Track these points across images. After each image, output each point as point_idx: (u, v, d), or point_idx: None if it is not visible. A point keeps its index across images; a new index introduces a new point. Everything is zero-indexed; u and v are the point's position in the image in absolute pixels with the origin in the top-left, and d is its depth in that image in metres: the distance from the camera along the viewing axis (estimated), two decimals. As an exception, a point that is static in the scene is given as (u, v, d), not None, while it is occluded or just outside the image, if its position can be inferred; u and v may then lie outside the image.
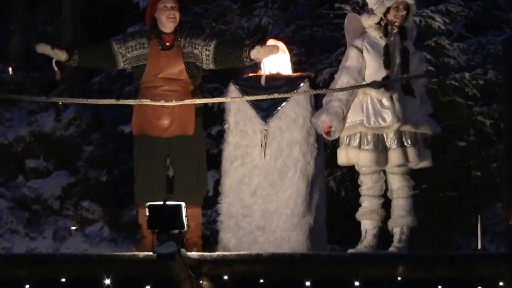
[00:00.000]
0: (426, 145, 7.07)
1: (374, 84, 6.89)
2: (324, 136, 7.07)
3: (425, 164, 7.02)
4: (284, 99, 7.25)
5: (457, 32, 11.17)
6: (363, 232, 7.11)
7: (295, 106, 7.30)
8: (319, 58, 11.24)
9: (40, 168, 12.18)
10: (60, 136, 12.33)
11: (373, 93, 6.93)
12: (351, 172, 10.18)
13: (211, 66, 7.39)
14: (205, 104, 7.68)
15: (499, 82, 10.56)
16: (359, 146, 6.99)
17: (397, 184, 7.04)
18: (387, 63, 6.93)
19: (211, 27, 11.52)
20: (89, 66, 7.73)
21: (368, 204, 7.08)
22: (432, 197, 10.58)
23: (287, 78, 7.38)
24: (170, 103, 7.17)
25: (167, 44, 7.32)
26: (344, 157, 7.08)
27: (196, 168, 7.40)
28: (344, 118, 7.03)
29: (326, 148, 7.63)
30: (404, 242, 6.99)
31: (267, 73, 7.29)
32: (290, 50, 7.91)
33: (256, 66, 7.88)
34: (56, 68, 7.24)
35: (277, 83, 7.32)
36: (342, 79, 7.04)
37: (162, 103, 7.17)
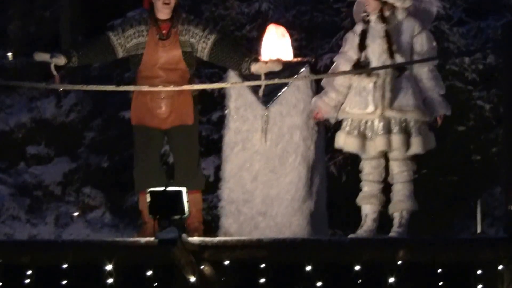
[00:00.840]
0: (426, 130, 7.00)
1: (354, 71, 6.95)
2: (316, 119, 7.20)
3: (413, 151, 6.97)
4: (285, 84, 7.25)
5: (457, 16, 11.18)
6: (363, 217, 7.14)
7: (295, 91, 7.30)
8: (319, 43, 11.27)
9: (42, 155, 12.20)
10: (61, 123, 12.36)
11: (354, 79, 7.01)
12: (352, 157, 10.15)
13: (203, 58, 7.33)
14: (203, 90, 7.66)
15: (498, 67, 10.58)
16: (348, 131, 7.05)
17: (397, 169, 7.04)
18: (360, 45, 6.99)
19: (211, 12, 11.54)
20: (90, 63, 7.73)
21: (368, 189, 7.10)
22: (432, 182, 10.61)
23: (288, 63, 7.33)
24: (168, 89, 7.13)
25: (164, 32, 7.23)
26: (336, 140, 7.15)
27: (196, 155, 7.42)
28: (336, 105, 7.10)
29: (327, 132, 7.64)
30: (404, 226, 7.00)
31: (267, 59, 7.26)
32: (290, 35, 7.85)
33: (257, 51, 7.88)
34: (54, 73, 7.10)
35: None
36: (337, 65, 7.15)
37: (160, 88, 7.12)
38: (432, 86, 6.99)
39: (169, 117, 7.26)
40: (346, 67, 7.05)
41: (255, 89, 7.28)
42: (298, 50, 9.96)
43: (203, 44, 7.27)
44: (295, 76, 7.20)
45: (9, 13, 13.97)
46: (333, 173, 10.56)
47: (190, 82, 7.35)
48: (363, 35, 7.00)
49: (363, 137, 7.00)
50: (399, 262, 6.09)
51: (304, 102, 7.28)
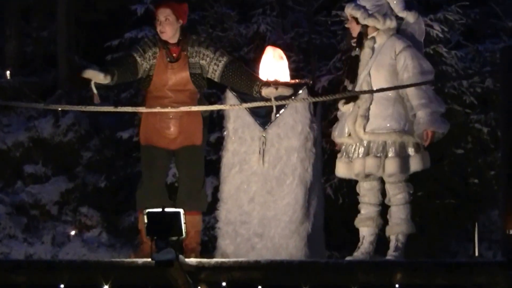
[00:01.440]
0: (409, 151, 6.99)
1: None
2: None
3: (387, 173, 6.97)
4: (283, 106, 7.26)
5: (455, 40, 11.20)
6: (360, 239, 7.17)
7: (293, 113, 7.34)
8: (317, 65, 11.28)
9: (39, 174, 12.19)
10: (58, 142, 12.34)
11: (339, 105, 7.23)
12: (349, 179, 10.26)
13: (215, 79, 7.37)
14: (211, 112, 7.70)
15: (496, 90, 10.61)
16: (339, 158, 7.18)
17: (391, 192, 7.06)
18: (346, 74, 7.13)
19: (208, 33, 11.56)
20: (122, 82, 7.61)
21: (364, 211, 7.15)
22: (429, 204, 10.59)
23: (285, 85, 7.26)
24: (167, 110, 7.15)
25: (174, 55, 7.27)
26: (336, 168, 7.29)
27: (201, 176, 7.42)
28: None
29: (323, 154, 7.64)
30: (399, 250, 7.02)
31: (265, 79, 7.29)
32: (288, 57, 7.92)
33: (255, 73, 7.88)
34: (95, 91, 6.93)
35: None
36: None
37: (158, 109, 7.15)
38: (419, 104, 6.91)
39: (178, 137, 7.30)
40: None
41: (253, 111, 7.33)
42: (295, 72, 10.12)
43: (214, 66, 7.30)
44: (293, 98, 7.17)
45: (7, 33, 14.00)
46: (330, 195, 10.51)
47: (200, 102, 7.38)
48: (348, 62, 7.15)
49: (349, 161, 7.10)
50: (397, 285, 6.10)
51: (302, 124, 7.33)
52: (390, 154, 6.94)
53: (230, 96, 7.48)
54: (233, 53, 11.57)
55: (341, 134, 7.12)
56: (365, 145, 7.00)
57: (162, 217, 6.07)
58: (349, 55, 7.16)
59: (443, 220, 10.65)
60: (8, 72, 13.14)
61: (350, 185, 10.34)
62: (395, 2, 7.11)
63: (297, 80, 7.57)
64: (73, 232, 11.49)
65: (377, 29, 7.04)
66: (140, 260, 6.48)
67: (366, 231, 7.13)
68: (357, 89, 7.01)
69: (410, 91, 6.91)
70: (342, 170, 7.15)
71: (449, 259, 9.91)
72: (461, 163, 10.81)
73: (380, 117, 6.95)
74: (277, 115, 7.29)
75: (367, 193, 7.12)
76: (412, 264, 6.47)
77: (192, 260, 6.46)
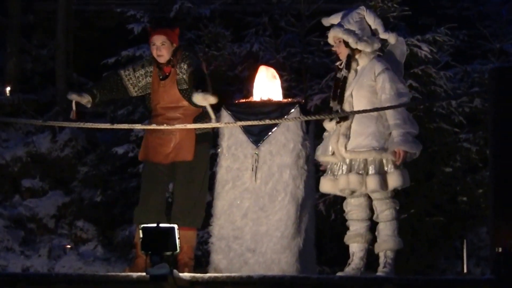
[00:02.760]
0: (391, 167, 7.09)
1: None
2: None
3: (369, 189, 7.08)
4: (275, 125, 7.34)
5: (444, 60, 11.22)
6: (350, 255, 7.24)
7: (285, 131, 7.40)
8: (309, 84, 11.30)
9: (36, 188, 12.19)
10: (55, 157, 12.34)
11: (324, 123, 7.36)
12: (341, 196, 10.32)
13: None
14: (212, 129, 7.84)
15: (484, 110, 10.68)
16: (323, 176, 7.31)
17: (378, 209, 7.17)
18: (332, 95, 7.29)
19: (204, 53, 11.60)
20: (107, 101, 7.98)
21: (353, 228, 7.24)
22: (419, 221, 10.58)
23: (278, 104, 7.47)
24: (161, 127, 7.31)
25: (167, 73, 7.49)
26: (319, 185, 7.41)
27: (194, 193, 7.54)
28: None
29: (316, 171, 7.74)
30: (389, 266, 7.12)
31: (258, 99, 7.46)
32: (280, 76, 7.99)
33: (248, 92, 8.02)
34: (74, 108, 7.44)
35: (268, 108, 7.42)
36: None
37: (153, 127, 7.33)
38: (394, 124, 7.05)
39: (171, 152, 7.46)
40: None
41: (246, 129, 7.39)
42: (288, 90, 10.16)
43: (187, 78, 7.45)
44: (285, 117, 7.27)
45: (7, 50, 14.04)
46: (322, 211, 10.52)
47: (198, 117, 7.50)
48: (336, 84, 7.26)
49: (334, 178, 7.22)
50: (386, 301, 6.16)
51: (294, 142, 7.38)
52: (371, 172, 7.06)
53: (224, 114, 7.54)
54: (227, 72, 11.73)
55: (325, 152, 7.24)
56: (347, 162, 7.12)
57: (157, 232, 6.15)
58: (336, 77, 7.30)
59: (432, 237, 10.63)
60: (7, 89, 13.09)
61: (342, 202, 10.42)
62: (376, 24, 7.31)
63: (289, 99, 7.63)
64: (69, 246, 11.48)
65: (359, 51, 7.19)
66: (135, 274, 6.51)
67: (356, 247, 7.21)
68: (338, 111, 7.16)
69: (388, 111, 7.07)
70: (326, 186, 7.28)
71: (438, 276, 9.94)
72: (450, 181, 10.81)
73: (361, 136, 7.08)
74: (269, 133, 7.38)
75: (355, 209, 7.21)
76: (402, 280, 6.52)
77: (185, 275, 6.49)
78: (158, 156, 7.49)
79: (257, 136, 7.43)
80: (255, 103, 7.53)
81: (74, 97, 7.41)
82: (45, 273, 10.34)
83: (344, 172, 7.15)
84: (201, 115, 7.54)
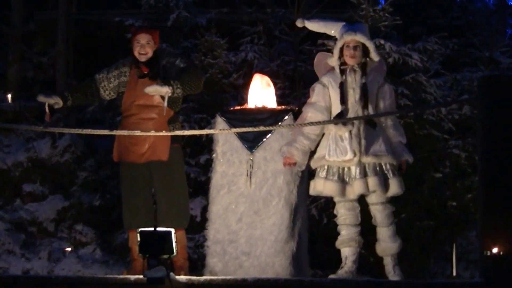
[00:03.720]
0: (399, 173, 7.25)
1: (334, 121, 7.17)
2: (287, 166, 7.37)
3: (392, 192, 7.22)
4: (269, 131, 7.43)
5: (434, 68, 11.21)
6: (343, 259, 7.34)
7: (279, 138, 7.49)
8: (302, 92, 11.29)
9: (37, 192, 12.21)
10: (55, 162, 12.35)
11: (332, 128, 7.23)
12: (334, 200, 10.42)
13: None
14: (200, 136, 7.87)
15: (473, 117, 10.67)
16: (326, 177, 7.25)
17: (378, 214, 7.27)
18: (342, 99, 7.22)
19: (200, 61, 11.64)
20: (82, 103, 8.05)
21: (346, 232, 7.32)
22: (410, 226, 10.57)
23: (272, 111, 7.56)
24: (160, 133, 7.33)
25: (144, 72, 7.53)
26: (312, 187, 7.35)
27: (174, 193, 7.53)
28: (307, 152, 7.31)
29: (309, 177, 7.82)
30: (397, 267, 7.30)
31: (253, 107, 7.56)
32: (274, 84, 8.08)
33: (243, 99, 8.14)
34: (47, 111, 7.52)
35: (263, 116, 7.52)
36: (305, 114, 7.33)
37: (152, 133, 7.33)
38: (396, 134, 7.27)
39: (146, 152, 7.43)
40: (316, 116, 7.25)
41: (241, 136, 7.47)
42: (282, 98, 10.21)
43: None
44: (279, 124, 7.38)
45: (9, 58, 14.09)
46: (315, 216, 10.51)
47: (172, 119, 7.52)
48: (342, 88, 7.25)
49: (342, 182, 7.20)
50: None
51: None
52: (391, 175, 7.20)
53: (220, 121, 7.62)
54: (223, 79, 11.73)
55: (345, 155, 7.14)
56: (362, 167, 7.17)
57: (154, 236, 6.28)
58: (341, 82, 7.28)
59: (422, 241, 10.61)
60: (9, 96, 13.11)
61: (335, 206, 10.56)
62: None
63: (283, 107, 7.72)
64: (68, 249, 11.48)
65: (368, 61, 7.32)
66: (133, 277, 6.59)
67: (348, 251, 7.31)
68: (352, 114, 7.19)
69: (389, 123, 7.26)
70: (331, 189, 7.22)
71: (428, 279, 10.06)
72: (439, 187, 10.80)
73: (376, 142, 7.19)
74: (264, 139, 7.48)
75: (348, 214, 7.29)
76: (393, 283, 6.70)
77: (182, 278, 6.58)
78: (133, 156, 7.47)
79: (251, 142, 7.52)
80: (250, 110, 7.62)
81: (41, 99, 7.53)
82: (45, 275, 10.40)
83: (358, 177, 7.17)
84: (175, 118, 7.61)
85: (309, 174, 7.68)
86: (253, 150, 7.53)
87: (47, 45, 14.93)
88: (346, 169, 7.25)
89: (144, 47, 7.52)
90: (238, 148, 7.56)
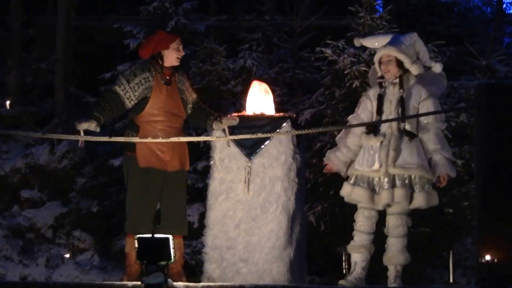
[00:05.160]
0: (430, 187, 7.31)
1: (350, 125, 7.28)
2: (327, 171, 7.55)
3: (414, 205, 7.29)
4: (267, 138, 7.44)
5: None
6: (352, 265, 7.40)
7: (277, 144, 7.50)
8: (300, 99, 11.34)
9: (35, 198, 12.21)
10: (54, 168, 12.35)
11: (364, 138, 7.33)
12: (331, 207, 10.41)
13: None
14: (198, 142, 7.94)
15: (470, 125, 10.68)
16: (354, 183, 7.32)
17: (391, 224, 7.33)
18: (378, 110, 7.31)
19: (198, 67, 11.66)
20: (109, 119, 7.91)
21: (358, 239, 7.39)
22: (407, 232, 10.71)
23: (270, 118, 7.58)
24: (157, 140, 7.32)
25: (167, 77, 7.50)
26: (343, 190, 7.45)
27: (185, 202, 7.62)
28: (347, 161, 7.44)
29: (307, 184, 7.81)
30: (399, 278, 7.32)
31: (251, 113, 7.59)
32: (273, 91, 8.11)
33: (241, 105, 8.17)
34: (82, 134, 7.30)
35: (261, 122, 7.54)
36: (349, 123, 7.48)
37: (149, 140, 7.31)
38: (435, 149, 7.29)
39: (170, 160, 7.44)
40: (357, 128, 7.36)
41: (239, 142, 7.49)
42: (280, 105, 10.15)
43: (189, 97, 7.58)
44: (277, 131, 7.39)
45: (7, 64, 14.12)
46: (312, 223, 10.45)
47: (182, 130, 7.62)
48: (380, 100, 7.34)
49: (371, 190, 7.28)
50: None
51: (286, 155, 7.50)
52: (418, 189, 7.25)
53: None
54: (221, 86, 11.77)
55: (371, 166, 7.22)
56: (390, 177, 7.22)
57: (152, 243, 6.28)
58: (380, 94, 7.37)
59: (420, 248, 10.47)
60: (8, 102, 13.18)
61: (332, 213, 10.35)
62: (424, 51, 7.52)
63: (281, 114, 7.74)
64: (66, 255, 11.48)
65: (407, 72, 7.37)
66: (130, 283, 6.62)
67: (358, 257, 7.37)
68: (387, 126, 7.27)
69: (427, 137, 7.30)
70: (359, 195, 7.29)
71: (425, 286, 10.07)
72: (437, 194, 10.91)
73: (407, 154, 7.22)
74: (262, 146, 7.49)
75: (365, 221, 7.35)
76: None
77: (180, 284, 6.62)
78: (160, 163, 7.45)
79: (250, 149, 7.54)
80: (248, 117, 7.64)
81: (84, 127, 7.28)
82: (43, 281, 10.40)
83: (386, 187, 7.23)
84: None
85: (308, 182, 7.69)
86: (251, 157, 7.54)
87: (46, 50, 14.98)
88: (376, 179, 7.33)
89: (181, 52, 7.59)
90: (236, 155, 7.57)
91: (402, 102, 7.27)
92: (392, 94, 7.33)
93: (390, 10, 11.16)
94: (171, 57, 7.51)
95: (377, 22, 11.00)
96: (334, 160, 7.46)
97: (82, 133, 7.28)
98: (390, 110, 7.31)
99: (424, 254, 10.74)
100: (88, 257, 11.61)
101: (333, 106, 10.82)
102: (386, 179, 7.24)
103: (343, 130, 7.57)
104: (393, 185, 7.23)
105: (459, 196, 10.87)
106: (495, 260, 6.19)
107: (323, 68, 11.20)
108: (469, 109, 10.45)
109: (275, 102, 7.93)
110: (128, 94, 7.47)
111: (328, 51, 10.90)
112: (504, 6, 15.92)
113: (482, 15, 15.05)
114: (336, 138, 7.58)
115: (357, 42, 7.77)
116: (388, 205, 7.28)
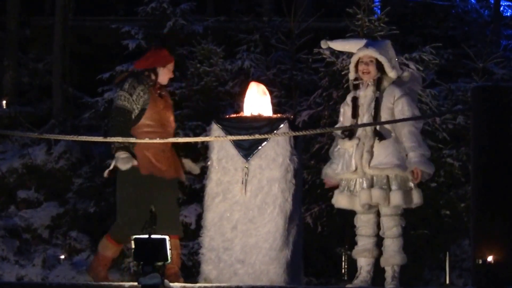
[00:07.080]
0: (407, 185, 7.36)
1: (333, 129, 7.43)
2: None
3: (393, 204, 7.30)
4: (265, 139, 7.46)
5: (429, 78, 11.22)
6: (358, 268, 7.47)
7: (275, 146, 7.52)
8: (298, 100, 11.36)
9: (31, 199, 12.24)
10: (51, 169, 12.38)
11: (340, 143, 7.42)
12: (328, 209, 10.39)
13: None
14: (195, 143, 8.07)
15: (467, 127, 10.69)
16: (340, 191, 7.46)
17: (386, 225, 7.37)
18: (353, 113, 7.38)
19: (196, 68, 11.69)
20: None
21: (361, 243, 7.47)
22: (404, 234, 10.55)
23: (268, 119, 7.60)
24: (155, 141, 7.46)
25: (158, 91, 7.75)
26: (333, 199, 7.56)
27: (177, 204, 7.87)
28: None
29: (304, 185, 7.82)
30: (396, 279, 7.36)
31: (249, 115, 7.62)
32: (271, 92, 8.13)
33: (239, 106, 8.20)
34: (112, 167, 7.62)
35: (258, 124, 7.55)
36: (336, 134, 7.54)
37: (146, 141, 7.45)
38: (411, 146, 7.31)
39: (168, 170, 7.64)
40: (341, 136, 7.42)
41: (237, 143, 7.52)
42: (277, 106, 10.26)
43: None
44: (275, 132, 7.42)
45: (4, 64, 14.11)
46: (309, 224, 10.46)
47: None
48: (355, 103, 7.40)
49: (351, 194, 7.38)
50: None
51: (283, 156, 7.51)
52: (394, 187, 7.29)
53: (215, 128, 7.64)
54: (218, 87, 11.81)
55: (347, 169, 7.34)
56: (369, 178, 7.29)
57: (148, 243, 6.30)
58: (354, 96, 7.45)
59: (416, 249, 10.58)
60: (4, 102, 13.24)
61: (329, 214, 10.36)
62: (394, 60, 7.57)
63: (279, 115, 7.78)
64: (63, 256, 11.49)
65: (385, 76, 7.43)
66: (127, 284, 6.64)
67: (363, 262, 7.45)
68: (361, 129, 7.33)
69: (404, 135, 7.32)
70: (343, 202, 7.44)
71: (422, 287, 10.10)
72: (434, 196, 10.80)
73: (382, 154, 7.28)
74: (259, 147, 7.51)
75: (364, 225, 7.42)
76: None
77: (176, 285, 6.63)
78: (160, 172, 7.64)
79: (247, 150, 7.56)
80: (246, 118, 7.66)
81: (127, 167, 7.58)
82: (39, 282, 10.40)
83: (365, 187, 7.31)
84: None
85: (305, 183, 7.71)
86: (248, 158, 7.56)
87: (43, 51, 15.02)
88: (354, 181, 7.42)
89: (172, 75, 7.91)
90: (234, 156, 7.59)
91: (376, 104, 7.32)
92: (365, 96, 7.39)
93: (388, 12, 11.17)
94: (165, 76, 7.79)
95: (375, 24, 11.02)
96: (331, 174, 7.55)
97: (112, 165, 7.67)
98: (363, 112, 7.37)
99: (421, 256, 10.77)
100: (85, 258, 11.59)
101: (331, 107, 10.83)
102: (364, 180, 7.32)
103: (334, 142, 7.62)
104: (371, 185, 7.30)
105: (456, 198, 10.90)
106: (492, 262, 6.21)
107: (320, 69, 11.25)
108: (466, 112, 10.44)
109: (273, 104, 7.95)
110: (134, 106, 7.69)
111: (326, 53, 10.90)
112: (501, 9, 15.96)
113: (479, 18, 15.09)
114: (329, 152, 7.64)
115: (324, 44, 7.81)
116: (370, 206, 7.34)
